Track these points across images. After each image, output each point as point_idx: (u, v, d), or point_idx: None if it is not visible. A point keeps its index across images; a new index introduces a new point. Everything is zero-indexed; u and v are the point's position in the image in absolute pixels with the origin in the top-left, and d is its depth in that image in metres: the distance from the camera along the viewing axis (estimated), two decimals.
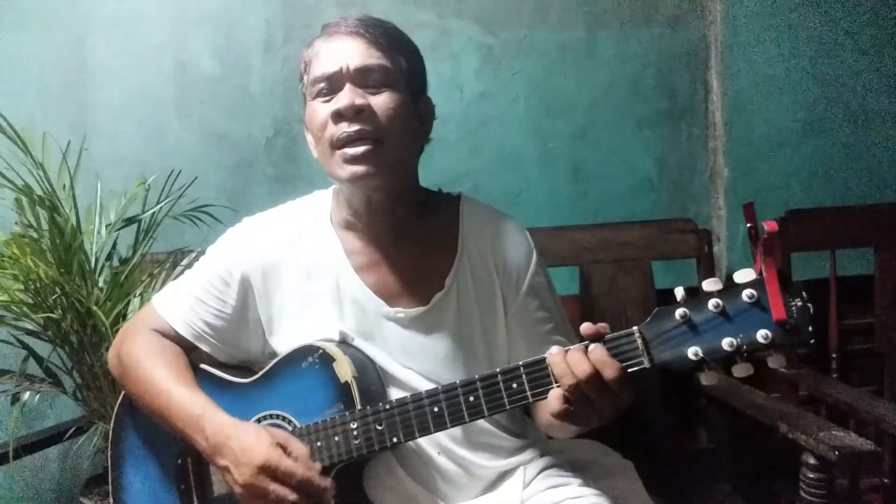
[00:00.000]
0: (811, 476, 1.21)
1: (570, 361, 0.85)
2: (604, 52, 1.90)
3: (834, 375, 1.71)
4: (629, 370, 0.85)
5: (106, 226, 1.56)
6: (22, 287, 1.39)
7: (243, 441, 0.95)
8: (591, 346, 0.85)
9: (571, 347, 0.87)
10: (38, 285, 1.38)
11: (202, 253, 1.17)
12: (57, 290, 1.38)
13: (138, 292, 1.46)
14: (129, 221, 1.58)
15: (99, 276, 1.50)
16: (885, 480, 1.59)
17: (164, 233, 1.63)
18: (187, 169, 1.67)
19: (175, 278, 1.41)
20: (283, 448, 0.95)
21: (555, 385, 0.88)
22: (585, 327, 0.86)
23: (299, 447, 0.96)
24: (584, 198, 1.92)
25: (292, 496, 0.92)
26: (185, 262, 1.52)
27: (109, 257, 1.56)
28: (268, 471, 0.92)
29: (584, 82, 1.90)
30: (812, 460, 1.20)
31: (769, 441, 1.48)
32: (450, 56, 1.87)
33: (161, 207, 1.58)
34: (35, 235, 1.43)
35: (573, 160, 1.91)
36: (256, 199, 1.85)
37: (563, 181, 1.91)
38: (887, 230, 1.76)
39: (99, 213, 1.58)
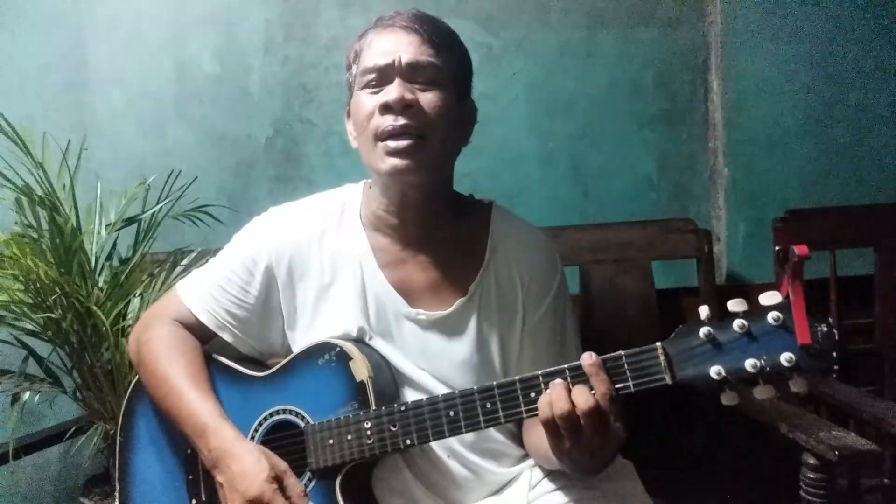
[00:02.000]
0: (811, 476, 1.21)
1: (574, 391, 0.84)
2: (604, 52, 1.90)
3: (834, 375, 1.70)
4: (650, 385, 0.85)
5: (106, 226, 1.56)
6: (22, 287, 1.39)
7: (242, 466, 0.95)
8: (597, 379, 0.84)
9: (556, 382, 0.86)
10: (38, 285, 1.38)
11: (203, 253, 1.17)
12: (57, 290, 1.38)
13: (138, 292, 1.46)
14: (129, 221, 1.58)
15: (99, 276, 1.50)
16: (886, 480, 1.59)
17: (164, 233, 1.63)
18: (187, 169, 1.67)
19: (175, 278, 1.42)
20: (280, 481, 0.95)
21: None
22: (587, 357, 0.86)
23: (295, 485, 0.96)
24: (584, 198, 1.91)
25: None
26: (185, 261, 1.52)
27: (109, 257, 1.57)
28: None
29: (584, 82, 1.90)
30: (812, 460, 1.20)
31: (769, 441, 1.48)
32: None
33: (161, 207, 1.58)
34: (35, 235, 1.43)
35: (573, 160, 1.91)
36: (256, 199, 1.85)
37: (563, 181, 1.91)
38: (887, 230, 1.76)
39: (99, 213, 1.58)
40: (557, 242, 1.69)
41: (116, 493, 1.12)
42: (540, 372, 0.89)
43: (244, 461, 0.95)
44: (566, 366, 0.88)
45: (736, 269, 1.92)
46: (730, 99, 1.90)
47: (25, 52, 1.80)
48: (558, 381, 0.86)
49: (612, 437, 0.85)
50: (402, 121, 0.97)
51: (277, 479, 0.95)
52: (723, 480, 1.61)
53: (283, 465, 0.98)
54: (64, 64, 1.82)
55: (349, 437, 0.97)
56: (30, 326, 1.45)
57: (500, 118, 1.88)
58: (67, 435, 1.51)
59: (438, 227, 1.08)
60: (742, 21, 1.88)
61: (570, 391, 0.84)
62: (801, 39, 1.90)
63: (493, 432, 1.07)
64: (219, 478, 0.98)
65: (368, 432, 0.96)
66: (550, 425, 0.85)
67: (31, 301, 1.40)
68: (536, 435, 1.01)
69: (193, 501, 1.07)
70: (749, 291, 1.88)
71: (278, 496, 0.93)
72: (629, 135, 1.92)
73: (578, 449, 0.85)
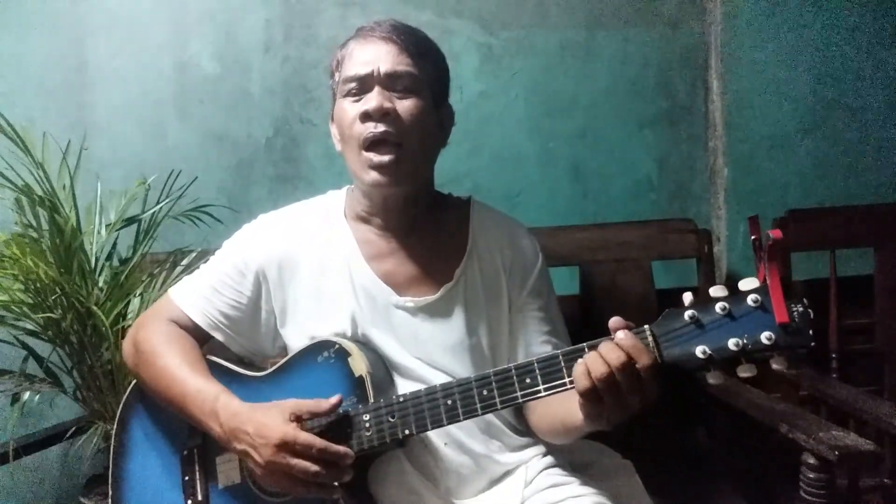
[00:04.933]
0: (811, 476, 1.21)
1: (603, 350, 0.85)
2: (604, 52, 1.90)
3: (834, 375, 1.70)
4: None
5: (106, 226, 1.56)
6: (22, 287, 1.39)
7: (257, 422, 0.97)
8: (622, 334, 0.86)
9: (602, 339, 0.88)
10: (38, 285, 1.38)
11: (203, 253, 1.18)
12: (57, 290, 1.38)
13: (138, 292, 1.46)
14: (129, 221, 1.58)
15: (99, 276, 1.50)
16: (886, 480, 1.59)
17: (164, 233, 1.63)
18: (187, 169, 1.67)
19: (175, 278, 1.42)
20: (298, 418, 0.97)
21: (568, 381, 0.89)
22: (615, 320, 0.88)
23: (315, 406, 0.98)
24: (584, 198, 1.92)
25: (314, 467, 0.94)
26: (185, 261, 1.52)
27: (109, 257, 1.57)
28: (286, 446, 0.94)
29: (584, 82, 1.90)
30: (812, 460, 1.20)
31: (769, 441, 1.48)
32: (450, 56, 1.82)
33: (161, 207, 1.58)
34: (35, 235, 1.43)
35: (573, 160, 1.91)
36: (256, 199, 1.85)
37: (563, 181, 1.91)
38: (887, 230, 1.76)
39: (99, 213, 1.58)
40: (557, 242, 1.69)
41: (109, 497, 1.12)
42: (535, 358, 0.92)
43: (256, 419, 0.97)
44: (559, 351, 0.91)
45: (736, 269, 1.92)
46: (730, 99, 1.90)
47: (25, 52, 1.80)
48: (600, 340, 0.88)
49: (647, 391, 0.85)
50: (381, 127, 1.03)
51: (295, 417, 0.97)
52: (723, 480, 1.61)
53: (290, 402, 0.99)
54: (64, 64, 1.82)
55: (349, 430, 0.99)
56: (30, 326, 1.45)
57: (500, 118, 1.89)
58: (67, 435, 1.51)
59: (421, 221, 1.14)
60: (742, 21, 1.88)
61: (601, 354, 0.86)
62: (801, 39, 1.90)
63: (489, 418, 1.09)
64: (239, 447, 0.98)
65: (367, 424, 0.98)
66: (590, 393, 0.85)
67: (31, 301, 1.40)
68: (548, 414, 1.05)
69: (189, 502, 1.07)
70: None
71: (300, 432, 0.95)
72: (629, 135, 1.92)
73: (618, 409, 0.86)
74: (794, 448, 1.24)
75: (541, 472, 1.09)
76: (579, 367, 0.86)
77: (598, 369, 0.84)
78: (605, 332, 0.89)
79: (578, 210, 1.90)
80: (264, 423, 0.96)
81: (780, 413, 1.32)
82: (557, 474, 1.09)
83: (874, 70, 1.91)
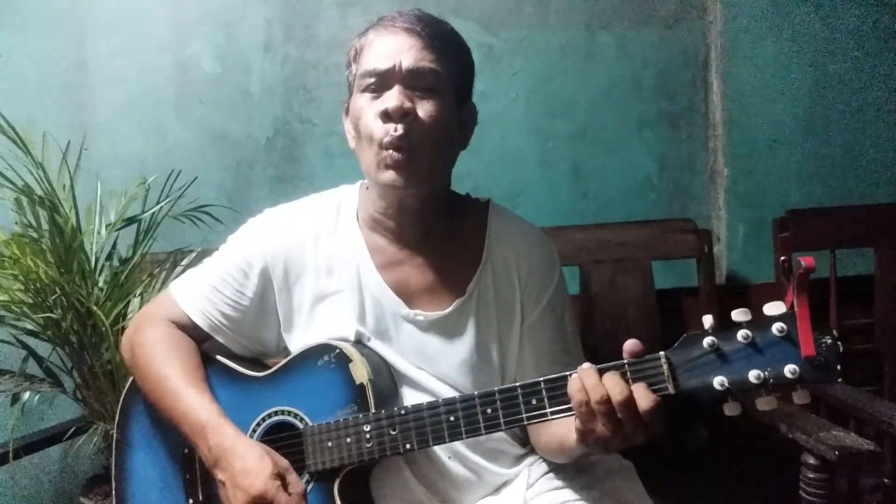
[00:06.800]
0: (811, 476, 1.21)
1: (608, 382, 0.82)
2: (604, 52, 1.90)
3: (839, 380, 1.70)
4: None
5: (106, 226, 1.56)
6: (22, 287, 1.39)
7: (245, 463, 0.95)
8: (608, 374, 0.82)
9: (610, 365, 0.84)
10: (38, 285, 1.38)
11: (203, 253, 1.16)
12: (57, 290, 1.38)
13: (138, 292, 1.46)
14: (129, 221, 1.58)
15: (99, 276, 1.50)
16: (886, 480, 1.59)
17: (164, 233, 1.63)
18: (187, 169, 1.67)
19: (175, 278, 1.42)
20: (282, 479, 0.95)
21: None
22: (630, 344, 0.84)
23: (297, 483, 0.96)
24: (584, 198, 1.91)
25: None
26: (185, 262, 1.52)
27: (109, 257, 1.57)
28: (263, 502, 0.92)
29: (584, 82, 1.90)
30: (812, 460, 1.20)
31: (769, 441, 1.48)
32: None
33: (161, 207, 1.58)
34: (35, 235, 1.43)
35: (573, 160, 1.91)
36: (256, 199, 1.85)
37: (563, 181, 1.91)
38: (887, 230, 1.76)
39: (99, 213, 1.58)
40: (557, 242, 1.67)
41: (112, 493, 1.12)
42: (542, 378, 0.89)
43: (246, 458, 0.95)
44: (568, 373, 0.87)
45: (736, 269, 1.92)
46: (730, 99, 1.90)
47: (25, 52, 1.81)
48: (587, 365, 0.84)
49: (651, 429, 0.83)
50: (400, 129, 0.96)
51: (280, 476, 0.95)
52: (723, 480, 1.61)
53: (284, 462, 0.97)
54: (64, 64, 1.82)
55: (348, 440, 0.97)
56: (30, 326, 1.45)
57: (500, 118, 1.88)
58: (67, 435, 1.51)
59: (436, 228, 1.08)
60: (742, 21, 1.88)
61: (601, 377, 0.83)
62: (801, 39, 1.90)
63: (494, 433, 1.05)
64: (220, 476, 0.97)
65: (368, 436, 0.96)
66: (585, 414, 0.82)
67: (31, 301, 1.40)
68: (546, 432, 1.01)
69: (190, 501, 1.07)
70: (749, 291, 1.89)
71: (281, 493, 0.93)
72: (629, 135, 1.92)
73: (619, 439, 0.83)
74: (794, 448, 1.24)
75: (543, 475, 1.08)
76: (573, 382, 0.83)
77: (599, 392, 0.81)
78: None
79: (578, 210, 1.90)
80: (249, 469, 0.94)
81: (780, 413, 1.32)
82: (559, 477, 1.07)
83: (873, 70, 1.91)
